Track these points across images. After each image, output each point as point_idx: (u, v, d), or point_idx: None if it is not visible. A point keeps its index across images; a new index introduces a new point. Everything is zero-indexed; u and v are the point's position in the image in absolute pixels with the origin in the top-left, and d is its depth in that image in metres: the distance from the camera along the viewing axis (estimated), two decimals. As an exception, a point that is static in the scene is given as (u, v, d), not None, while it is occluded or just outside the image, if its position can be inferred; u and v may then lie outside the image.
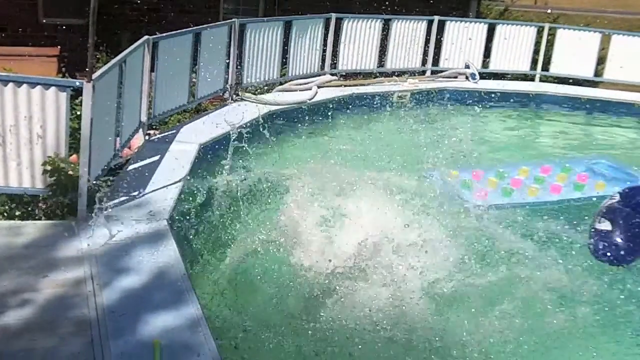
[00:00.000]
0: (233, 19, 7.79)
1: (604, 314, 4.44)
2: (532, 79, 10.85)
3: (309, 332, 3.99)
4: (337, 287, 4.41)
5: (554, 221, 5.71)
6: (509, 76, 10.90)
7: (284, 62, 8.84)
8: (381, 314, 4.17)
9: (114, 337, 3.29)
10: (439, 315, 4.29)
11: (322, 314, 4.17)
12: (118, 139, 5.41)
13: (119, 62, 5.07)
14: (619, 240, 4.80)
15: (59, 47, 8.95)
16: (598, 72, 10.72)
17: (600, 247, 4.82)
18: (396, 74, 10.06)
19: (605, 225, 4.86)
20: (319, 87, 8.94)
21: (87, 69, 4.31)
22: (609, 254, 4.80)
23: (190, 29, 6.78)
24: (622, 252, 4.78)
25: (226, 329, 3.81)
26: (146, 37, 5.94)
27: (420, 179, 6.13)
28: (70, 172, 4.49)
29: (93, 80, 4.30)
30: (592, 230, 4.94)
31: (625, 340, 4.34)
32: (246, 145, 6.90)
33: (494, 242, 5.26)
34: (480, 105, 9.86)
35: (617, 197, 5.10)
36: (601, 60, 10.75)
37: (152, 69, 6.24)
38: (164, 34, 6.29)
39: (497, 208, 5.70)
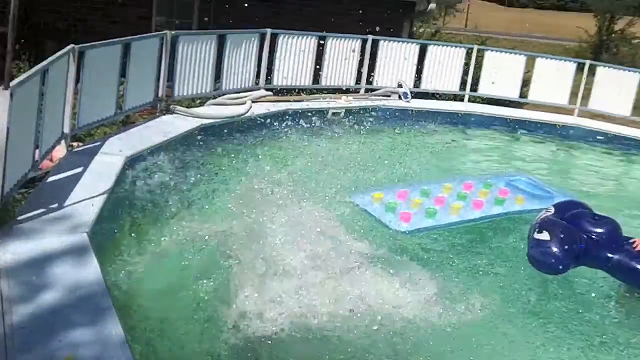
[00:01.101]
0: (165, 31, 7.68)
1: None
2: (462, 99, 11.10)
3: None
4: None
5: (476, 237, 5.88)
6: (440, 96, 11.13)
7: (218, 76, 8.76)
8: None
9: (20, 352, 3.13)
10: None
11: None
12: (37, 150, 5.21)
13: (41, 70, 4.90)
14: (555, 249, 4.97)
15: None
16: (523, 94, 11.07)
17: (539, 256, 5.02)
18: (330, 91, 10.11)
19: (544, 236, 5.03)
20: (253, 101, 8.89)
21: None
22: (548, 262, 4.99)
23: (120, 39, 6.63)
24: (559, 261, 4.97)
25: (148, 347, 3.69)
26: (71, 45, 5.76)
27: (344, 205, 6.13)
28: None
29: (11, 87, 4.13)
30: (532, 239, 5.12)
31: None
32: (175, 159, 6.86)
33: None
34: (411, 124, 10.07)
35: (552, 210, 5.31)
36: (526, 83, 11.11)
37: (77, 79, 6.06)
38: (91, 43, 6.12)
39: (420, 232, 5.77)
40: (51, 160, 5.91)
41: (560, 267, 5.00)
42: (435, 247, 5.70)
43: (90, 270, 3.97)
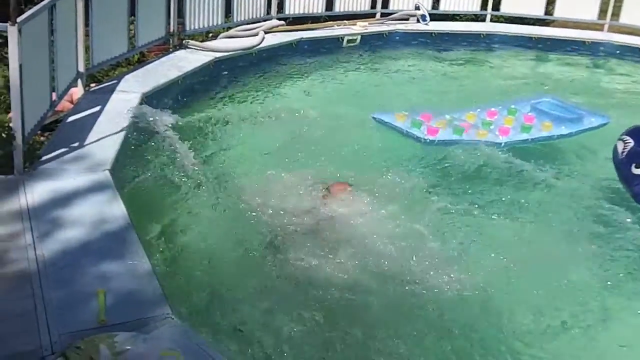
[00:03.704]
0: (173, -38, 7.44)
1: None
2: (484, 19, 10.74)
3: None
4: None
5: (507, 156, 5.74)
6: (460, 17, 10.77)
7: (229, 8, 8.52)
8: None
9: (55, 289, 3.13)
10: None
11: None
12: (54, 91, 5.12)
13: (48, 5, 4.74)
14: None
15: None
16: (548, 11, 10.64)
17: None
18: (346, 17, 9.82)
19: None
20: (265, 32, 8.66)
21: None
22: None
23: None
24: None
25: (171, 276, 3.67)
26: (77, -20, 5.59)
27: (366, 122, 6.01)
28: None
29: (18, 23, 4.01)
30: (634, 177, 4.90)
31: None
32: (190, 93, 6.76)
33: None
34: (431, 48, 9.80)
35: (630, 140, 5.04)
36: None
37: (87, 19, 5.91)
38: (98, -22, 5.94)
39: (450, 143, 5.65)
40: (71, 101, 5.82)
41: None
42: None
43: (114, 207, 3.94)
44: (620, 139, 5.14)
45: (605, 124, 6.20)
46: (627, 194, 5.07)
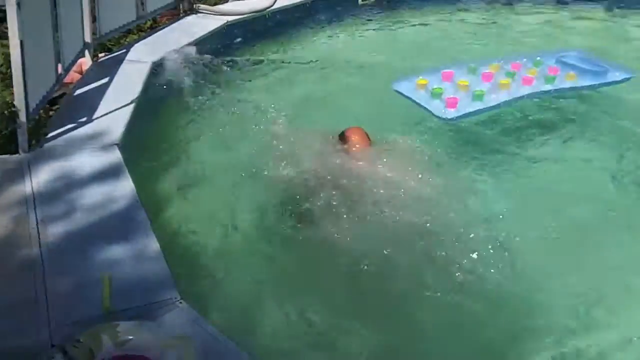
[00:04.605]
0: None
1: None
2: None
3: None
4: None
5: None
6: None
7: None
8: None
9: (59, 275, 3.05)
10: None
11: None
12: (59, 64, 4.99)
13: (47, -23, 4.59)
14: None
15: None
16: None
17: None
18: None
19: None
20: (278, -8, 8.40)
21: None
22: None
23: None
24: None
25: (184, 259, 3.57)
26: (79, -53, 5.40)
27: (387, 93, 5.79)
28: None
29: (16, -4, 3.86)
30: None
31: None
32: (204, 59, 6.56)
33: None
34: (450, 2, 9.44)
35: None
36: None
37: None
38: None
39: (469, 115, 5.46)
40: (80, 72, 5.69)
41: None
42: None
43: (123, 185, 3.84)
44: None
45: (629, 78, 6.04)
46: None
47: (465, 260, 3.68)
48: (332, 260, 3.75)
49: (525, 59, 6.27)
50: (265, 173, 4.43)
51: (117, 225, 3.45)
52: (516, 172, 4.90)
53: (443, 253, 3.73)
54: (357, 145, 4.57)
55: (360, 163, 4.49)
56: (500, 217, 4.19)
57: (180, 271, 3.25)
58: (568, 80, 5.88)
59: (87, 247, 3.25)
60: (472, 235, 3.86)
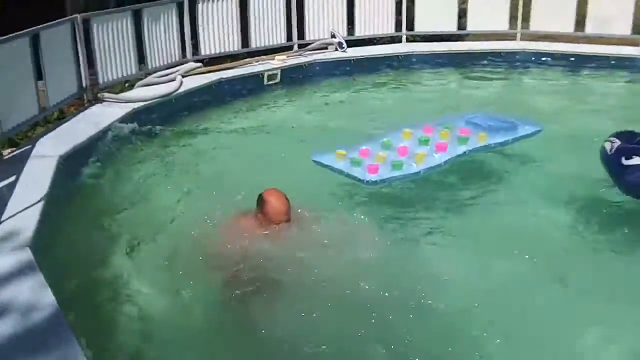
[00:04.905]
0: (75, 15, 7.07)
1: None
2: (400, 40, 10.78)
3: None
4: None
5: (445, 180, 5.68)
6: (377, 40, 10.77)
7: (141, 55, 8.19)
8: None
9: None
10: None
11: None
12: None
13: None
14: None
15: None
16: (462, 25, 10.78)
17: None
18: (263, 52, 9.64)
19: (635, 160, 5.14)
20: (183, 76, 8.37)
21: None
22: None
23: (25, 31, 6.01)
24: None
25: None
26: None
27: (308, 167, 5.78)
28: None
29: None
30: (624, 167, 5.19)
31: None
32: (111, 151, 6.37)
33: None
34: (351, 75, 9.73)
35: (617, 140, 5.36)
36: (463, 13, 10.81)
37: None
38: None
39: (390, 182, 5.52)
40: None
41: None
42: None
43: (39, 290, 3.54)
44: (607, 141, 5.46)
45: (538, 131, 6.28)
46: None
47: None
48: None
49: (435, 123, 6.40)
50: (190, 271, 4.27)
51: (35, 335, 3.16)
52: (445, 231, 4.97)
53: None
54: (276, 214, 4.43)
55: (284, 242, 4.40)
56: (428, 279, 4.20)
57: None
58: (480, 141, 5.99)
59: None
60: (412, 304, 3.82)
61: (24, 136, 6.42)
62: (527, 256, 4.47)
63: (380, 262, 4.38)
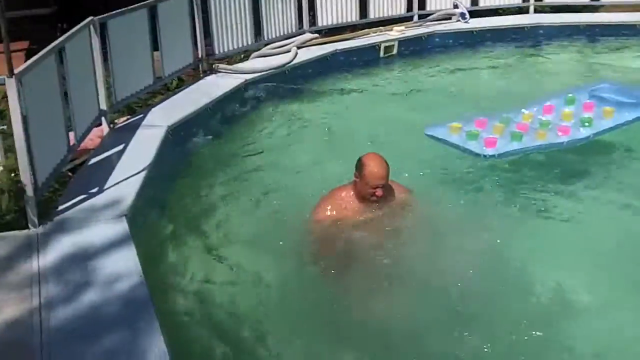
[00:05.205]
0: (193, -14, 7.22)
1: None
2: (527, 11, 10.15)
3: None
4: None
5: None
6: (503, 10, 10.21)
7: (258, 26, 8.25)
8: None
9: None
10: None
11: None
12: (72, 134, 4.93)
13: (55, 50, 4.55)
14: None
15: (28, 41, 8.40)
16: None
17: None
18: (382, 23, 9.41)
19: None
20: (298, 47, 8.36)
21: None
22: None
23: (143, 3, 6.21)
24: None
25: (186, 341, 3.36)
26: (90, 18, 5.40)
27: (421, 140, 5.60)
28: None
29: (17, 74, 3.80)
30: None
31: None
32: (221, 121, 6.48)
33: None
34: (474, 47, 9.30)
35: None
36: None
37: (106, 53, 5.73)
38: (112, 13, 5.75)
39: (509, 154, 5.25)
40: (99, 139, 5.64)
41: None
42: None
43: (129, 262, 3.66)
44: None
45: None
46: None
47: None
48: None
49: (557, 100, 6.01)
50: (290, 247, 4.26)
51: (121, 310, 3.26)
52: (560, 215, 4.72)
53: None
54: (373, 177, 4.22)
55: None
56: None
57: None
58: (606, 117, 5.59)
59: (87, 335, 3.07)
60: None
61: (144, 104, 6.65)
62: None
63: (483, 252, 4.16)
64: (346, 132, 6.40)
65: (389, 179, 4.25)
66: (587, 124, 5.57)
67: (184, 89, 6.99)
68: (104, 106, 5.70)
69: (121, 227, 4.05)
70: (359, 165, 4.30)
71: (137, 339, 3.05)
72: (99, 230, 4.04)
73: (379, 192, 4.19)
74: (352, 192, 4.34)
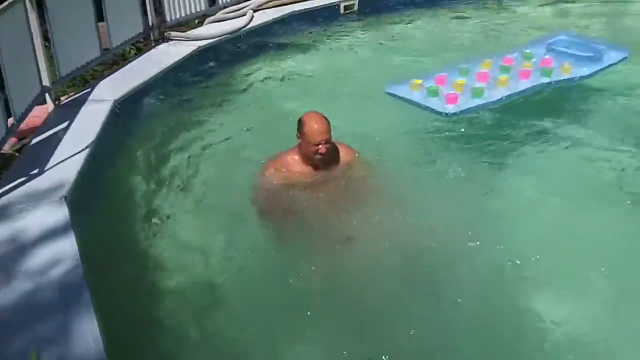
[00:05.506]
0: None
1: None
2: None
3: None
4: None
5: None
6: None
7: (212, -11, 7.98)
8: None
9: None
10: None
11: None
12: (11, 118, 4.72)
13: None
14: None
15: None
16: None
17: None
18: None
19: None
20: (254, 11, 8.12)
21: None
22: None
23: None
24: None
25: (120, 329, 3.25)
26: (22, -12, 5.14)
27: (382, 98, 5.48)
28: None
29: None
30: None
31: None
32: (170, 92, 6.27)
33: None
34: (435, 1, 9.11)
35: None
36: None
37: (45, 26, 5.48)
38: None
39: (471, 111, 5.20)
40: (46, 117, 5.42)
41: None
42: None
43: (66, 248, 3.52)
44: None
45: (624, 58, 5.79)
46: None
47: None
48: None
49: (515, 54, 5.98)
50: (237, 213, 4.17)
51: (54, 297, 3.14)
52: (523, 170, 4.73)
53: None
54: (313, 133, 4.12)
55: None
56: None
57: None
58: (564, 73, 5.59)
59: (19, 323, 2.95)
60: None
61: (92, 78, 6.43)
62: (605, 195, 4.27)
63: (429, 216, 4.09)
64: (304, 93, 6.25)
65: (331, 137, 4.16)
66: (547, 75, 5.56)
67: (132, 59, 6.75)
68: (46, 82, 5.47)
69: (60, 210, 3.90)
70: (300, 124, 4.22)
71: (70, 324, 2.95)
72: (37, 214, 3.88)
73: (321, 148, 4.10)
74: (297, 156, 4.26)
